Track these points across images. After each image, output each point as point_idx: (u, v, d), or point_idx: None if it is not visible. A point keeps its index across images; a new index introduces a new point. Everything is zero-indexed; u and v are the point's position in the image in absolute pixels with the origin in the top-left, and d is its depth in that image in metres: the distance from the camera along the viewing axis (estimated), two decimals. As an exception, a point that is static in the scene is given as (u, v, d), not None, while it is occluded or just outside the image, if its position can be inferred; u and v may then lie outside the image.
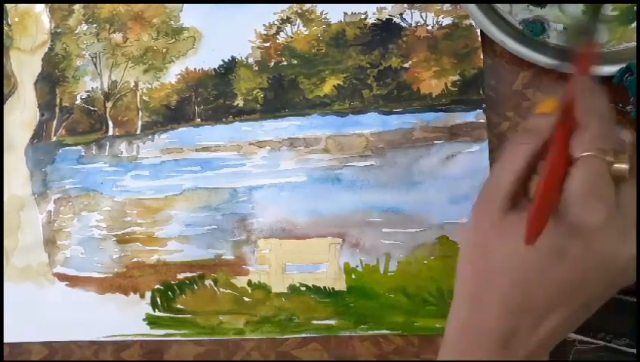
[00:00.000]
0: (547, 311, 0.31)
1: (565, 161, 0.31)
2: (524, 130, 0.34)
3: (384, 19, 0.50)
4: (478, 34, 0.48)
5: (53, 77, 0.57)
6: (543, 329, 0.31)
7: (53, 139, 0.56)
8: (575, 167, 0.30)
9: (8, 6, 0.58)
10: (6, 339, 0.56)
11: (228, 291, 0.52)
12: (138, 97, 0.55)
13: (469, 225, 0.34)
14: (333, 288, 0.50)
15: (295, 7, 0.52)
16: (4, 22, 0.58)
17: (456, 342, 0.33)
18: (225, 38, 0.53)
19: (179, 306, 0.53)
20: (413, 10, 0.50)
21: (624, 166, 0.30)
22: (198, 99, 0.53)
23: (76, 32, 0.56)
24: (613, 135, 0.31)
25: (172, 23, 0.54)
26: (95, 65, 0.56)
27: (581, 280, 0.30)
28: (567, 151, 0.31)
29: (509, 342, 0.31)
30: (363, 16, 0.51)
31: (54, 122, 0.56)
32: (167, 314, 0.53)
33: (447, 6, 0.49)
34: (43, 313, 0.55)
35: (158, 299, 0.53)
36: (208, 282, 0.52)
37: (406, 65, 0.49)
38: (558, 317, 0.31)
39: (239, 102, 0.52)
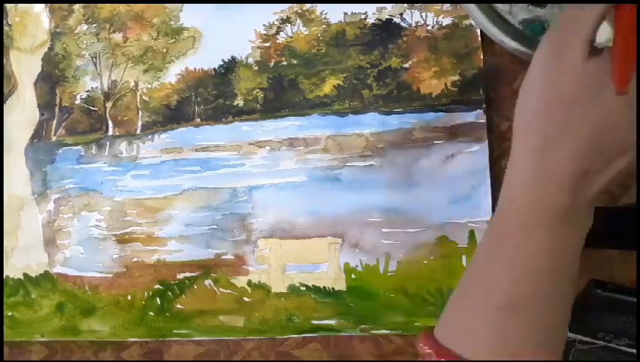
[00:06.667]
0: (619, 153, 0.31)
1: None
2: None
3: (384, 19, 0.50)
4: (478, 34, 0.48)
5: (53, 77, 0.57)
6: (610, 173, 0.31)
7: (53, 139, 0.56)
8: None
9: (8, 6, 0.58)
10: (6, 339, 0.56)
11: (228, 291, 0.52)
12: (138, 97, 0.55)
13: (544, 59, 0.32)
14: (333, 288, 0.50)
15: (295, 7, 0.52)
16: (4, 22, 0.58)
17: (524, 190, 0.32)
18: (225, 38, 0.53)
19: (179, 306, 0.53)
20: (413, 10, 0.50)
21: None
22: (198, 99, 0.53)
23: (76, 31, 0.56)
24: None
25: (172, 22, 0.54)
26: (95, 65, 0.56)
27: None
28: None
29: (579, 184, 0.31)
30: (363, 16, 0.51)
31: (54, 122, 0.56)
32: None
33: (447, 6, 0.49)
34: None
35: (158, 299, 0.53)
36: (208, 282, 0.52)
37: (406, 65, 0.49)
38: (626, 160, 0.31)
39: (239, 102, 0.52)
